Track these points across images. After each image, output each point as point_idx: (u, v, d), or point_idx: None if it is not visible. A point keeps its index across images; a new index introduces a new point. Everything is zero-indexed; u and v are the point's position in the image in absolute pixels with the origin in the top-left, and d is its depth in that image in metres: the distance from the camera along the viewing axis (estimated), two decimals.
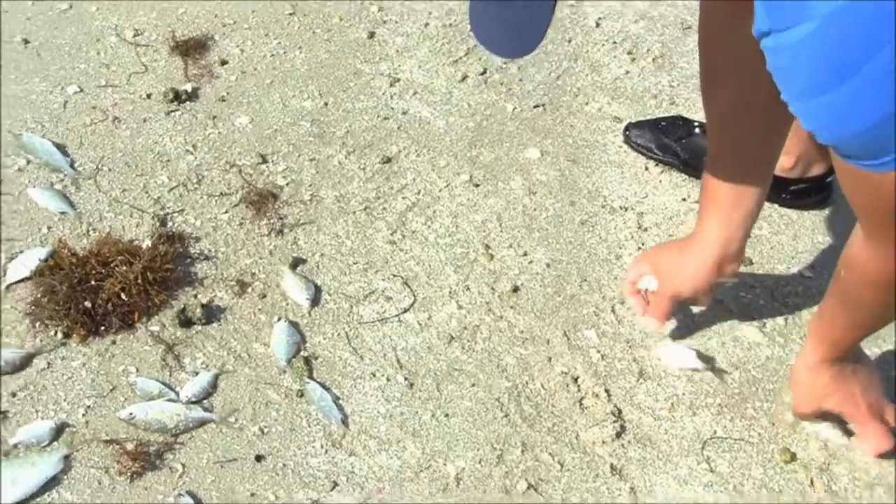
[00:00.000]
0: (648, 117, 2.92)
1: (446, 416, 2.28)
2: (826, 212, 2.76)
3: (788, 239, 2.66)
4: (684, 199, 2.74)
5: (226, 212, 2.61)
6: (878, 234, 1.71)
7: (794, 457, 2.22)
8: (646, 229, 2.67)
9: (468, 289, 2.51)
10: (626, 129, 2.89)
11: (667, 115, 2.94)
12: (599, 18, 3.32)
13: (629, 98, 3.03)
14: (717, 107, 2.14)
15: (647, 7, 3.37)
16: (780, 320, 2.50)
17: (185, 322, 2.37)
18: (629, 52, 3.19)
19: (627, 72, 3.13)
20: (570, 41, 3.23)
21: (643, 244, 2.63)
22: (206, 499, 2.10)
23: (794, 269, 2.61)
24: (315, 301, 2.45)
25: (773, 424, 2.28)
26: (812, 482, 2.19)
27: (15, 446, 2.14)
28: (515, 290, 2.52)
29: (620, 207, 2.72)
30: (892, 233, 1.65)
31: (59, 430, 2.17)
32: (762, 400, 2.33)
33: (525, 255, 2.60)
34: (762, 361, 2.41)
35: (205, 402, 2.26)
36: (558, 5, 1.66)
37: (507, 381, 2.34)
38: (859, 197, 1.67)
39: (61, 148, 2.70)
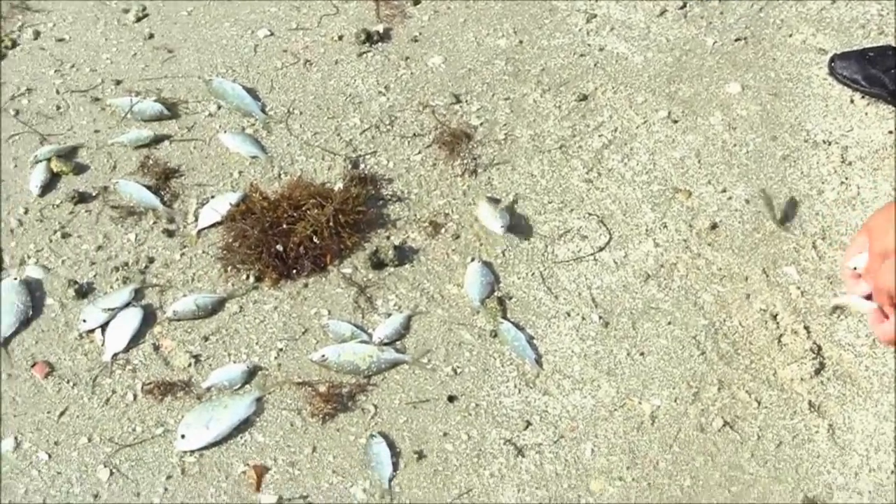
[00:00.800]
0: (855, 48, 2.77)
1: (642, 354, 2.21)
2: None
3: None
4: (891, 132, 2.60)
5: (419, 153, 2.57)
6: None
7: None
8: (850, 163, 2.53)
9: (665, 226, 2.42)
10: (832, 60, 2.74)
11: (875, 45, 2.78)
12: None
13: (835, 29, 2.88)
14: None
15: None
16: None
17: (378, 264, 2.33)
18: None
19: (834, 1, 2.97)
20: None
21: (846, 179, 2.50)
22: (398, 439, 2.08)
23: None
24: (510, 229, 2.38)
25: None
26: None
27: (208, 389, 2.14)
28: (714, 226, 2.43)
29: (824, 141, 2.59)
30: None
31: (251, 373, 2.16)
32: None
33: (724, 191, 2.49)
34: None
35: (397, 343, 2.22)
36: None
37: (705, 318, 2.26)
38: None
39: (252, 92, 2.69)
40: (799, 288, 2.30)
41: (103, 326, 2.22)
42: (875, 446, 2.07)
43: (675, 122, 2.65)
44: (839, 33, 2.86)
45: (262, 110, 2.64)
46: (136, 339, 2.22)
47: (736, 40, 2.85)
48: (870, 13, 2.91)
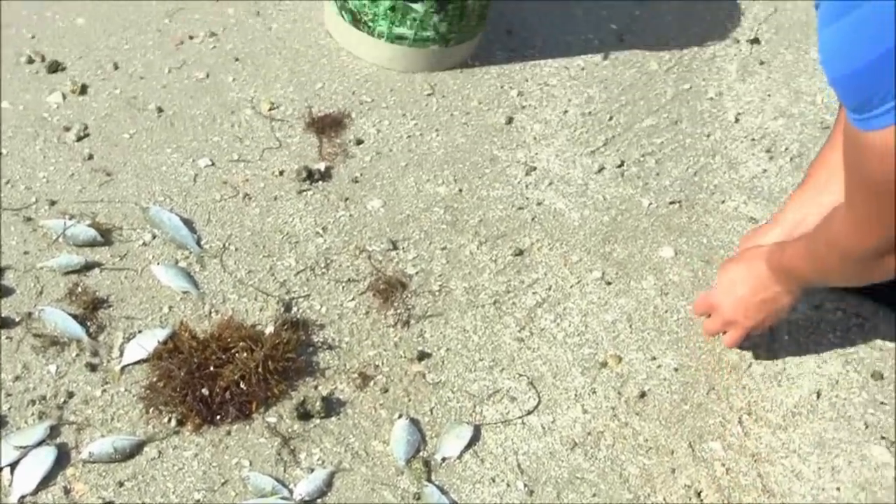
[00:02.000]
0: None
1: None
2: None
3: None
4: (817, 307, 2.65)
5: (352, 299, 2.54)
6: (858, 207, 1.75)
7: None
8: (777, 339, 2.58)
9: (594, 392, 2.42)
10: None
11: None
12: (739, 114, 3.21)
13: (765, 198, 2.92)
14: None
15: (786, 104, 3.26)
16: None
17: (304, 415, 2.29)
18: (767, 150, 3.08)
19: (765, 170, 3.01)
20: (708, 136, 3.12)
21: (773, 352, 2.53)
22: None
23: None
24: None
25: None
26: None
27: None
28: (642, 395, 2.43)
29: None
30: (871, 207, 1.69)
31: None
32: None
33: (654, 359, 2.50)
34: (890, 483, 2.31)
35: (318, 501, 2.18)
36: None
37: (629, 492, 2.25)
38: (848, 160, 1.70)
39: (189, 223, 2.65)
40: (724, 465, 2.29)
41: (13, 465, 2.15)
42: None
43: (609, 283, 2.65)
44: (769, 202, 2.90)
45: (198, 243, 2.61)
46: (46, 481, 2.14)
47: (671, 203, 2.88)
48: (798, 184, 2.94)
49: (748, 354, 2.52)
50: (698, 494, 2.25)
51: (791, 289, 2.24)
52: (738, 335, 2.38)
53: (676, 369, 2.48)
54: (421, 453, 2.27)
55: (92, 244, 2.55)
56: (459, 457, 2.27)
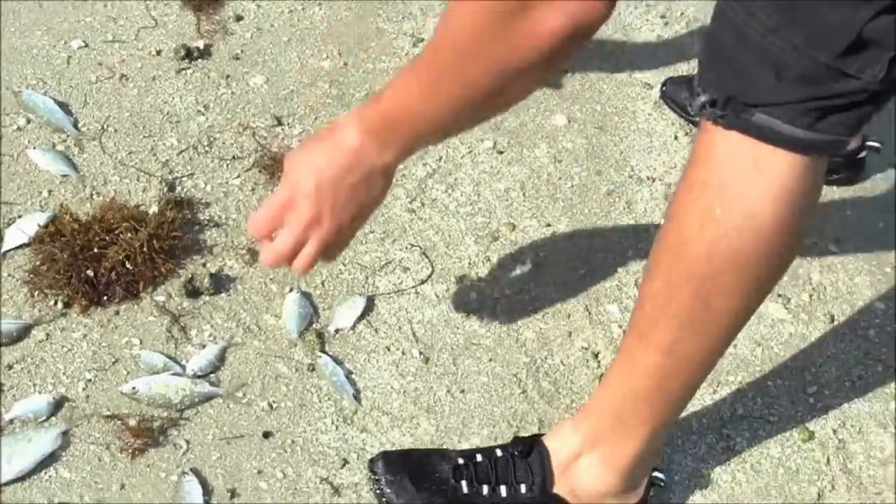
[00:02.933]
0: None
1: (462, 391, 2.18)
2: (854, 187, 2.67)
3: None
4: None
5: (238, 176, 2.49)
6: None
7: (811, 436, 2.18)
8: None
9: (489, 260, 2.40)
10: (664, 84, 2.79)
11: None
12: None
13: (661, 63, 2.90)
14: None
15: None
16: (804, 296, 2.42)
17: (193, 292, 2.25)
18: (662, 16, 3.06)
19: (660, 36, 3.00)
20: None
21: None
22: (210, 476, 2.00)
23: (821, 244, 2.52)
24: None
25: (793, 402, 2.23)
26: (829, 461, 2.15)
27: (11, 422, 2.03)
28: (537, 262, 2.42)
29: (648, 178, 2.60)
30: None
31: (57, 405, 2.06)
32: (784, 378, 2.27)
33: (548, 225, 2.49)
34: (785, 338, 2.34)
35: (211, 376, 2.15)
36: None
37: (526, 356, 2.25)
38: None
39: (64, 107, 2.57)
40: (621, 326, 2.30)
41: None
42: (693, 487, 2.09)
43: (501, 152, 2.63)
44: (665, 67, 2.89)
45: (75, 126, 2.53)
46: None
47: (563, 71, 2.85)
48: (694, 49, 2.93)
49: (643, 218, 2.53)
50: (595, 356, 2.25)
51: (395, 153, 1.63)
52: (321, 244, 1.68)
53: (571, 235, 2.47)
54: (314, 325, 2.25)
55: None
56: (353, 327, 2.25)
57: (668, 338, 1.66)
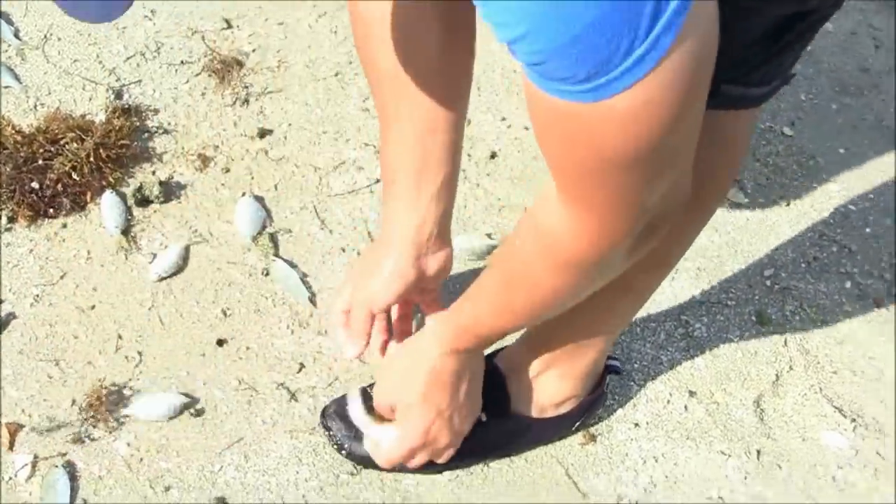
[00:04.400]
0: None
1: None
2: (809, 70, 2.65)
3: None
4: None
5: (187, 82, 2.44)
6: (579, 201, 1.28)
7: (769, 318, 2.19)
8: None
9: None
10: None
11: None
12: None
13: None
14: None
15: None
16: (761, 180, 2.42)
17: (142, 201, 2.21)
18: None
19: None
20: None
21: None
22: (164, 386, 1.98)
23: (775, 127, 2.50)
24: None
25: (751, 286, 2.22)
26: (786, 342, 2.16)
27: None
28: (493, 156, 2.38)
29: None
30: (617, 191, 1.23)
31: (3, 323, 2.02)
32: (741, 262, 2.27)
33: (503, 119, 2.45)
34: (742, 223, 2.34)
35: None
36: None
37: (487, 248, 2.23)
38: (564, 150, 1.22)
39: (4, 16, 2.51)
40: None
41: None
42: (653, 374, 2.07)
43: None
44: None
45: (16, 36, 2.47)
46: None
47: None
48: None
49: None
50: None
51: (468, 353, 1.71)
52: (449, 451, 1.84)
53: (527, 128, 2.42)
54: (267, 229, 2.21)
55: None
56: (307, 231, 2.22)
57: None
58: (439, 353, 1.67)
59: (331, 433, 1.90)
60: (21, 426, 1.90)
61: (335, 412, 1.90)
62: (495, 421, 1.86)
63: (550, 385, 1.86)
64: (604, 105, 1.08)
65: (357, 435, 1.87)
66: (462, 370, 1.70)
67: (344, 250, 2.19)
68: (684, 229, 1.65)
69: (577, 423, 1.94)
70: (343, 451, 1.89)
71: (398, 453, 1.80)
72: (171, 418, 1.93)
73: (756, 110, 1.57)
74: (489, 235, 2.24)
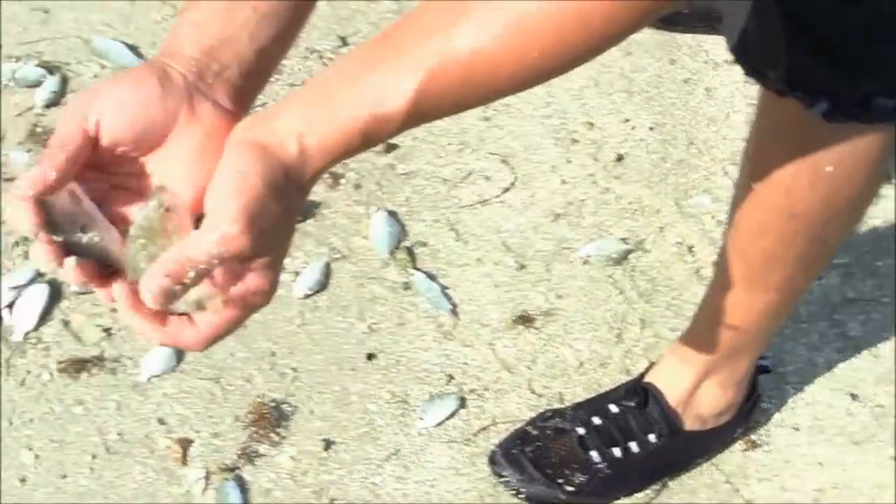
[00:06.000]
0: None
1: (559, 297, 2.20)
2: None
3: None
4: None
5: None
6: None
7: None
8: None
9: (570, 161, 2.41)
10: None
11: None
12: None
13: None
14: None
15: None
16: None
17: None
18: None
19: None
20: None
21: (752, 98, 2.50)
22: (318, 402, 2.06)
23: None
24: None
25: None
26: None
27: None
28: (620, 158, 2.42)
29: (725, 61, 2.58)
30: None
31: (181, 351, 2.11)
32: (893, 256, 2.24)
33: (627, 120, 2.49)
34: (890, 215, 2.30)
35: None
36: None
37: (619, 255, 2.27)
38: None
39: (134, 49, 2.59)
40: (713, 217, 2.30)
41: (9, 306, 2.15)
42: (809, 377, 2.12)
43: None
44: None
45: None
46: (45, 317, 2.14)
47: None
48: None
49: (725, 104, 2.51)
50: (690, 249, 2.26)
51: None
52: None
53: (652, 128, 2.47)
54: (403, 243, 2.28)
55: (40, 83, 2.49)
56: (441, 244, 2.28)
57: (781, 278, 1.66)
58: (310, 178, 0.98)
59: (503, 478, 1.95)
60: (190, 441, 1.99)
61: (503, 457, 1.95)
62: (667, 440, 1.90)
63: (709, 395, 1.89)
64: None
65: (532, 478, 1.92)
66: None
67: (480, 260, 2.25)
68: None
69: (740, 430, 1.98)
70: (521, 496, 1.94)
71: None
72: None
73: None
74: (624, 240, 2.28)
